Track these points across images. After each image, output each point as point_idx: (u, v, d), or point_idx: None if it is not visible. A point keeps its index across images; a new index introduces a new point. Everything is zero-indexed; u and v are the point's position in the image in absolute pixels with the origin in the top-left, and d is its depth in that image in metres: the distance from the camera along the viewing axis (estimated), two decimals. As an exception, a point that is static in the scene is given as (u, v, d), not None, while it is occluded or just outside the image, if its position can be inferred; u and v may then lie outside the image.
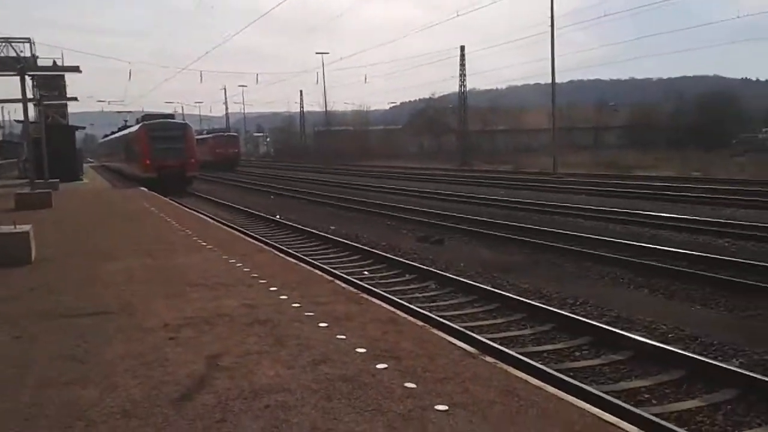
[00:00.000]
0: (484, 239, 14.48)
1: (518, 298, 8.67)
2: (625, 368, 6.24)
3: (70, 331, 5.75)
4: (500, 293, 8.94)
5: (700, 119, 57.93)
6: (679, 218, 15.78)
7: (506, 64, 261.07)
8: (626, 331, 7.08)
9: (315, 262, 11.15)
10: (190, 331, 5.70)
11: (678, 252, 11.45)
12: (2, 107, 70.01)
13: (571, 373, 5.99)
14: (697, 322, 7.66)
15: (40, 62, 40.41)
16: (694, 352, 6.43)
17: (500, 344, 6.73)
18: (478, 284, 9.56)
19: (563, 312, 7.91)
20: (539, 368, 5.88)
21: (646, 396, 5.56)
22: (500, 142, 76.21)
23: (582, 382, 5.66)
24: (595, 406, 4.17)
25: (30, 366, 4.84)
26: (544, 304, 8.44)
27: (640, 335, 6.96)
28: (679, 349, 6.48)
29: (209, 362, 4.86)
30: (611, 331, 7.07)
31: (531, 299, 8.70)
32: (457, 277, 10.08)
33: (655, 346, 6.48)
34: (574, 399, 4.25)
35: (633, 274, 10.35)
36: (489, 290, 9.16)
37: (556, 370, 5.93)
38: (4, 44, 42.80)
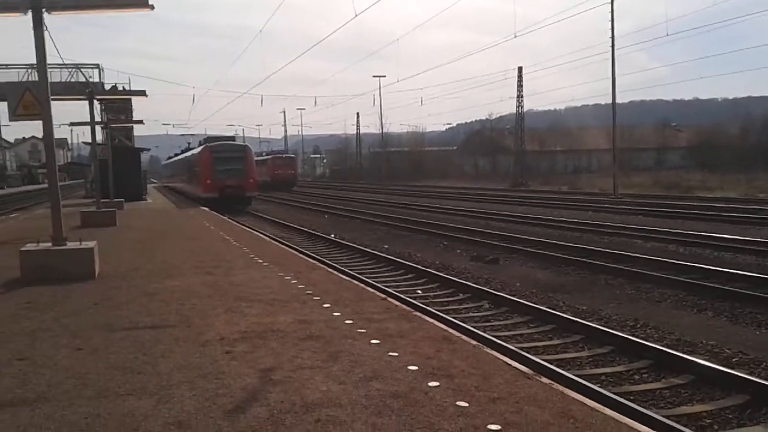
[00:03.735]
0: (540, 259, 14.26)
1: (575, 319, 8.47)
2: (686, 392, 6.02)
3: (129, 344, 5.90)
4: (556, 314, 8.76)
5: (768, 139, 55.89)
6: (742, 240, 15.21)
7: (565, 85, 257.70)
8: (688, 355, 6.84)
9: (368, 280, 11.18)
10: (245, 345, 5.77)
11: (742, 274, 11.01)
12: (71, 130, 73.32)
13: (630, 397, 5.81)
14: (762, 346, 7.35)
15: (108, 87, 42.20)
16: (759, 377, 6.16)
17: (556, 366, 6.58)
18: (533, 304, 9.40)
19: (622, 334, 7.69)
20: (597, 390, 5.72)
21: (708, 421, 5.34)
22: (558, 162, 75.20)
23: (641, 406, 5.48)
24: (654, 430, 4.03)
25: (89, 377, 4.97)
26: (602, 325, 8.22)
27: (702, 359, 6.71)
28: (744, 373, 6.21)
29: (263, 376, 4.91)
30: (672, 354, 6.82)
31: (588, 320, 8.49)
32: (512, 297, 9.94)
33: (718, 370, 6.24)
34: (633, 422, 4.10)
35: (695, 296, 10.00)
36: (545, 311, 8.99)
37: (614, 393, 5.75)
38: (74, 70, 44.92)
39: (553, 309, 9.20)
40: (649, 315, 9.00)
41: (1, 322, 6.93)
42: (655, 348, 7.05)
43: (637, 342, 7.33)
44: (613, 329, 8.00)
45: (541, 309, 9.09)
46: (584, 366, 6.95)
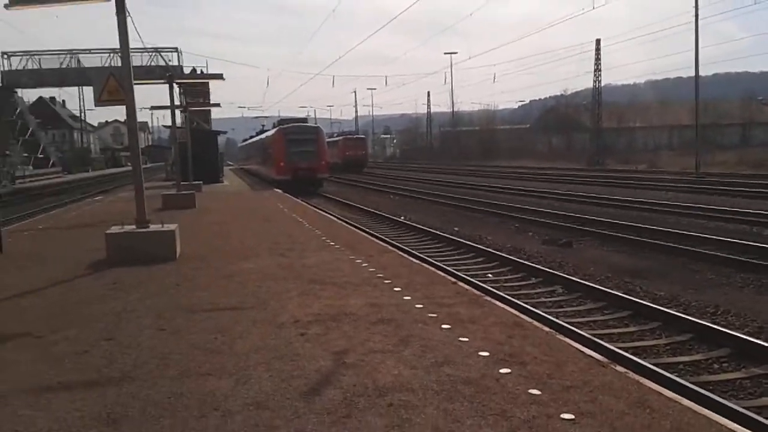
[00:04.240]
0: (615, 243, 13.89)
1: (652, 305, 8.24)
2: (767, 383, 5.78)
3: (209, 325, 6.14)
4: (633, 300, 8.54)
5: None
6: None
7: (645, 58, 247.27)
8: (773, 344, 6.55)
9: (439, 264, 11.18)
10: (319, 328, 5.91)
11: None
12: (152, 113, 76.11)
13: (710, 387, 5.63)
14: None
15: (186, 70, 43.50)
16: None
17: (632, 354, 6.44)
18: (608, 290, 9.19)
19: (702, 321, 7.43)
20: (674, 380, 5.58)
21: (793, 414, 5.12)
22: (637, 140, 72.61)
23: (720, 396, 5.31)
24: (733, 422, 3.90)
25: (172, 357, 5.20)
26: (681, 312, 7.97)
27: (787, 348, 6.41)
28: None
29: (336, 359, 5.02)
30: (754, 342, 6.56)
31: (666, 307, 8.25)
32: (586, 282, 9.74)
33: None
34: (712, 413, 3.99)
35: (782, 282, 9.55)
36: (620, 296, 8.77)
37: (692, 383, 5.59)
38: (154, 54, 46.51)
39: (629, 294, 8.96)
40: (731, 301, 8.66)
41: (89, 302, 7.33)
42: (736, 336, 6.80)
43: (717, 329, 7.07)
44: (692, 316, 7.74)
45: (616, 294, 8.88)
46: (661, 354, 6.77)
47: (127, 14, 9.92)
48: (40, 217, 20.60)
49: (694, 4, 34.40)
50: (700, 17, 34.42)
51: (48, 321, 6.50)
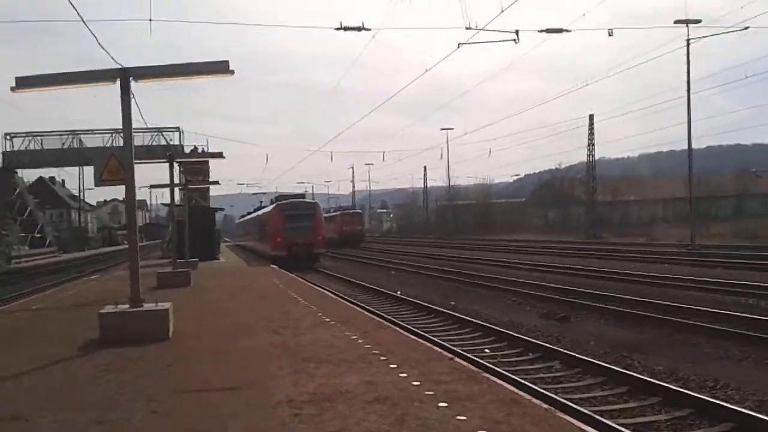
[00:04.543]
0: (613, 316, 13.83)
1: (651, 380, 8.14)
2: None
3: (202, 405, 6.03)
4: (632, 375, 8.45)
5: None
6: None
7: (638, 132, 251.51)
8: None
9: (435, 339, 11.09)
10: (313, 408, 5.81)
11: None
12: (150, 191, 76.79)
13: (713, 465, 5.51)
14: None
15: (187, 149, 44.15)
16: None
17: (633, 430, 6.33)
18: (607, 365, 9.09)
19: (701, 396, 7.34)
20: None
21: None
22: (632, 212, 73.22)
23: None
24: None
25: (165, 439, 5.09)
26: (680, 387, 7.87)
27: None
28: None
29: (330, 440, 4.91)
30: (755, 416, 6.46)
31: (666, 381, 8.15)
32: (584, 357, 9.65)
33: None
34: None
35: (780, 355, 9.48)
36: (619, 371, 8.68)
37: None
38: (156, 134, 47.35)
39: (628, 369, 8.88)
40: (730, 375, 8.57)
41: (80, 384, 7.20)
42: (736, 410, 6.70)
43: (718, 404, 6.98)
44: (691, 390, 7.65)
45: (615, 369, 8.78)
46: (662, 430, 6.65)
47: (132, 96, 10.18)
48: (34, 297, 20.46)
49: (686, 79, 35.13)
50: (692, 91, 35.12)
51: (37, 403, 6.37)
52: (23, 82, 10.44)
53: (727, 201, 71.33)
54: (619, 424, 6.52)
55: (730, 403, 7.07)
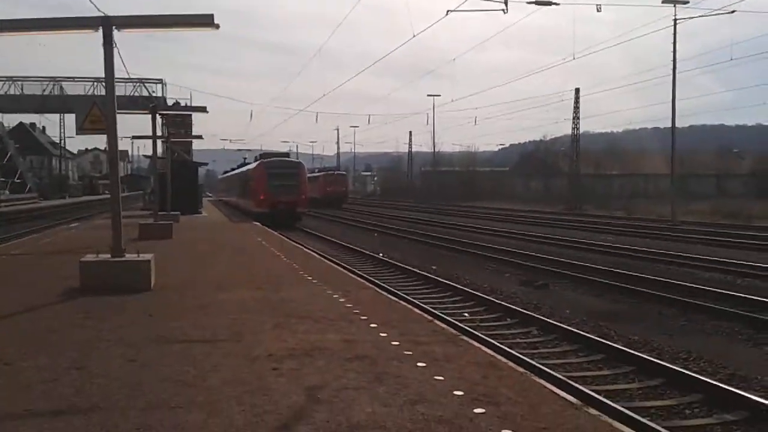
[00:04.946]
0: (591, 286, 14.00)
1: (626, 349, 8.29)
2: (738, 429, 5.85)
3: (181, 357, 6.05)
4: (607, 343, 8.60)
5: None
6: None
7: (623, 107, 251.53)
8: (742, 390, 6.61)
9: (416, 301, 11.18)
10: (293, 363, 5.86)
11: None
12: (133, 142, 75.80)
13: (682, 433, 5.66)
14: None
15: (170, 102, 43.51)
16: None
17: (605, 397, 6.46)
18: (583, 333, 9.24)
19: (674, 367, 7.49)
20: (646, 424, 5.59)
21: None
22: (614, 186, 73.64)
23: (694, 443, 5.33)
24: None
25: (141, 388, 5.10)
26: (654, 357, 8.03)
27: (757, 395, 6.47)
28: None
29: (309, 394, 4.97)
30: (726, 389, 6.62)
31: (640, 351, 8.31)
32: (562, 324, 9.80)
33: (774, 408, 6.01)
34: (683, 460, 4.00)
35: (752, 330, 9.70)
36: (595, 340, 8.83)
37: (664, 428, 5.61)
38: (138, 84, 46.52)
39: (604, 338, 9.03)
40: (703, 348, 8.74)
41: (61, 330, 7.21)
42: (707, 382, 6.86)
43: (690, 375, 7.14)
44: (665, 361, 7.80)
45: (591, 338, 8.93)
46: (634, 398, 6.80)
47: (114, 45, 9.98)
48: (14, 242, 20.27)
49: (672, 58, 35.34)
50: (678, 70, 35.28)
51: (18, 348, 6.37)
52: (4, 26, 10.19)
53: (708, 179, 71.96)
54: (592, 390, 6.65)
55: (702, 375, 7.23)
